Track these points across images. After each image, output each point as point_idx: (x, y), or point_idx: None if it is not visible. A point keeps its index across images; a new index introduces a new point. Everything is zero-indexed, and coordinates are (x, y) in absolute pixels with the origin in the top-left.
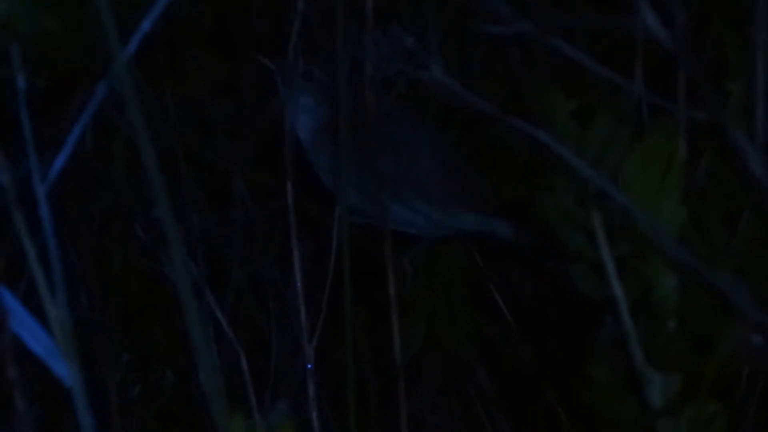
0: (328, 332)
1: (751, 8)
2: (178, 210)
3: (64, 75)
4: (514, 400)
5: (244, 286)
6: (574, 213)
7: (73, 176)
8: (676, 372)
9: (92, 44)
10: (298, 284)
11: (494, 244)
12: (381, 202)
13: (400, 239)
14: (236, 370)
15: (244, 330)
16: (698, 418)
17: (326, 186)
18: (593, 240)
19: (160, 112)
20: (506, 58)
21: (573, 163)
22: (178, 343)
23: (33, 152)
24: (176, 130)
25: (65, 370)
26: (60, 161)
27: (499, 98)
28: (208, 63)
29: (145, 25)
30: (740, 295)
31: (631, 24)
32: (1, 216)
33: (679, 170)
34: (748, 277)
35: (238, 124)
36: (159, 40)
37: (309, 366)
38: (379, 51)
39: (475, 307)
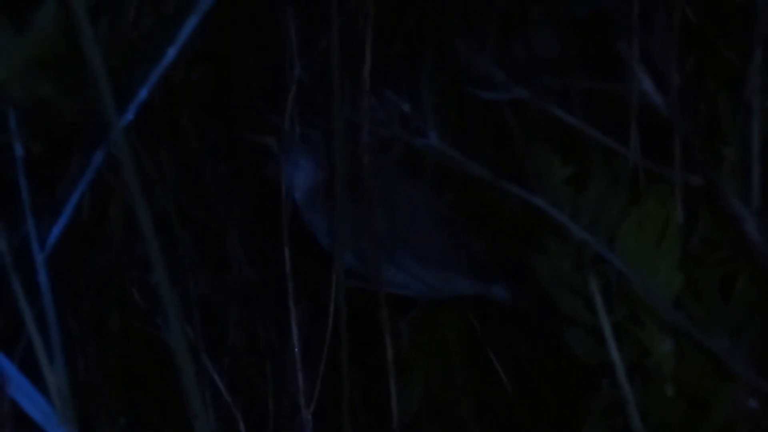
0: (326, 393)
1: (745, 72)
2: (175, 273)
3: (61, 139)
4: None
5: (241, 348)
6: (570, 277)
7: (71, 239)
8: None
9: (89, 108)
10: (296, 349)
11: (491, 306)
12: (377, 266)
13: (397, 301)
14: None
15: (242, 393)
16: None
17: (322, 246)
18: (590, 304)
19: (156, 175)
20: (501, 122)
21: (569, 228)
22: (176, 406)
23: (31, 219)
24: (173, 193)
25: None
26: (58, 228)
27: (494, 162)
28: (204, 126)
29: (143, 93)
30: (737, 359)
31: (626, 88)
32: None
33: (675, 235)
34: (745, 341)
35: (235, 187)
36: (156, 103)
37: (307, 430)
38: (374, 116)
39: (472, 368)
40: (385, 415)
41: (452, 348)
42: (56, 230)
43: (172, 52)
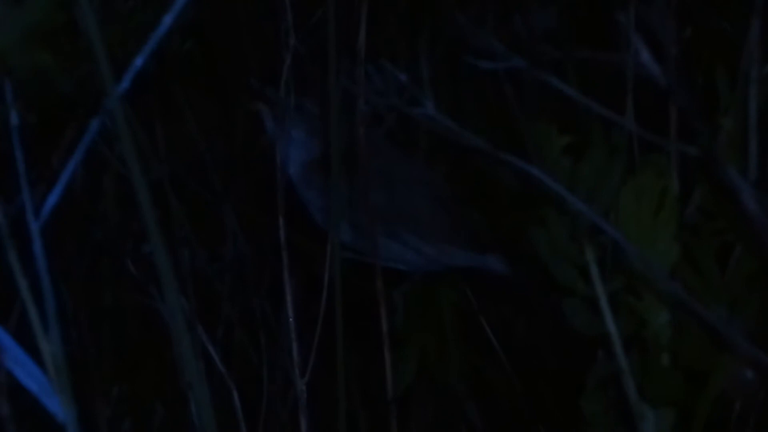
0: (320, 367)
1: (742, 44)
2: (169, 246)
3: (55, 110)
4: None
5: (235, 321)
6: (566, 248)
7: (64, 211)
8: (669, 407)
9: (84, 79)
10: (291, 320)
11: (486, 279)
12: (372, 237)
13: (392, 274)
14: (228, 406)
15: (235, 366)
16: None
17: (317, 221)
18: (586, 275)
19: (150, 147)
20: (498, 93)
21: (566, 199)
22: (169, 377)
23: (26, 189)
24: (167, 166)
25: (59, 407)
26: (54, 197)
27: (490, 133)
28: (198, 99)
29: (138, 62)
30: (733, 330)
31: (623, 59)
32: None
33: (672, 206)
34: (741, 312)
35: (229, 161)
36: (149, 76)
37: (301, 402)
38: (371, 86)
39: (467, 342)
40: (378, 387)
41: (447, 321)
42: (51, 200)
43: (167, 21)
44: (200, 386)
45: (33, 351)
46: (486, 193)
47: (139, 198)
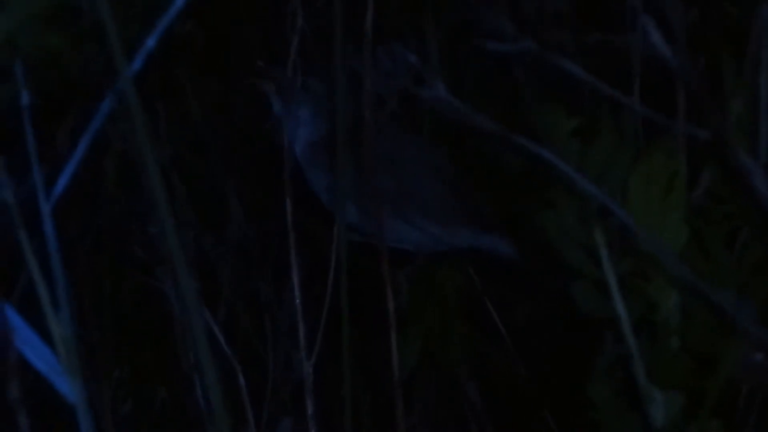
0: (324, 349)
1: (747, 26)
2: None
3: (61, 90)
4: (507, 418)
5: (239, 303)
6: (576, 230)
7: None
8: (678, 390)
9: (91, 60)
10: (297, 301)
11: (491, 262)
12: (378, 218)
13: (397, 255)
14: (232, 388)
15: (241, 347)
16: None
17: (323, 201)
18: (595, 258)
19: (153, 129)
20: (505, 76)
21: (576, 181)
22: (171, 359)
23: (38, 170)
24: (170, 148)
25: (68, 387)
26: (64, 179)
27: (497, 116)
28: (200, 80)
29: (150, 43)
30: (742, 313)
31: (632, 41)
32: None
33: (681, 189)
34: (750, 295)
35: (232, 142)
36: (151, 57)
37: (307, 384)
38: (380, 67)
39: (471, 324)
40: (382, 369)
41: (451, 304)
42: (62, 181)
43: (179, 2)
44: (209, 367)
45: (39, 331)
46: (491, 174)
47: (149, 181)
